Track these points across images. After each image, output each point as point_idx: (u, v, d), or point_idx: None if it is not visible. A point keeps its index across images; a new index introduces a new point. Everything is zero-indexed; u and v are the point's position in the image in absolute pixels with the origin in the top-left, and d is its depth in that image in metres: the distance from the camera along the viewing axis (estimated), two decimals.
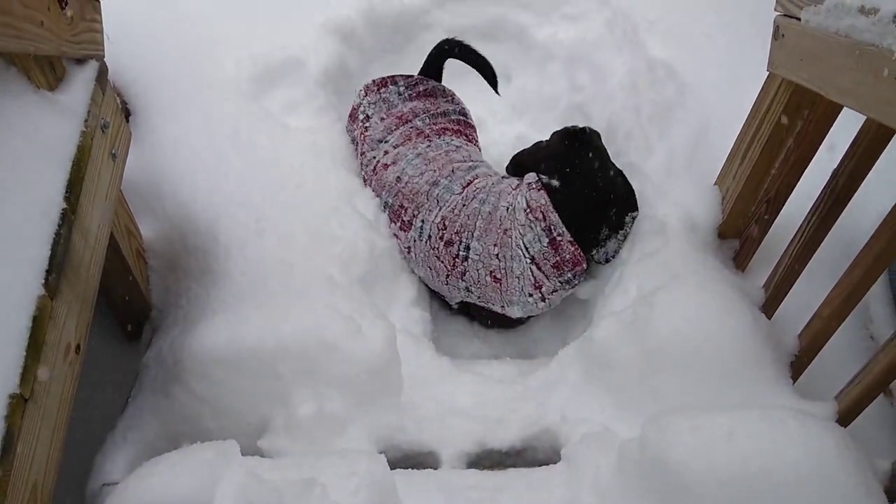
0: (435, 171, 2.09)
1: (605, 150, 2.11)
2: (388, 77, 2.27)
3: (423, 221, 2.05)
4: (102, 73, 1.59)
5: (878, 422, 1.71)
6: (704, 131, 2.21)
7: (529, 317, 2.11)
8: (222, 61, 2.30)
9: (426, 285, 2.16)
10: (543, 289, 1.97)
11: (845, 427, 1.44)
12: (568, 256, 1.94)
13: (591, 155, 2.02)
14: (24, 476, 1.08)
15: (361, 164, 2.22)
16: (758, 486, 1.27)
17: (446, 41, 2.34)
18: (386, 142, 2.19)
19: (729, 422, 1.36)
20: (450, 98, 2.31)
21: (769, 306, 1.80)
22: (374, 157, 2.18)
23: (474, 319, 2.18)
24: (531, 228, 1.94)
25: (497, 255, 1.97)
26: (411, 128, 2.20)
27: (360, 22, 2.60)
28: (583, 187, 1.98)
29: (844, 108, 1.48)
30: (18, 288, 1.15)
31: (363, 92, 2.28)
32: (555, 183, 1.97)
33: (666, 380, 1.64)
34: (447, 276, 2.03)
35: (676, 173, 2.14)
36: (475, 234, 1.99)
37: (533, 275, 1.95)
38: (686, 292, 1.73)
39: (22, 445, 1.07)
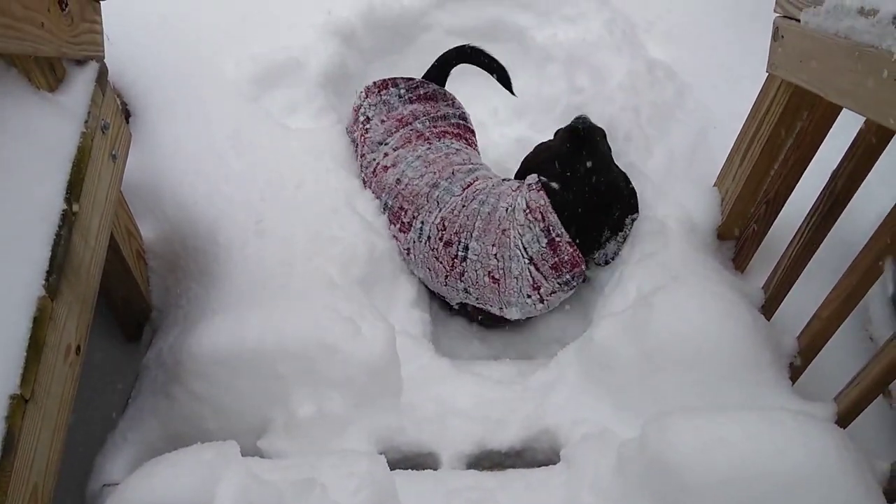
0: (435, 173, 2.10)
1: (608, 149, 2.11)
2: (388, 79, 2.28)
3: (422, 223, 2.05)
4: (103, 74, 1.59)
5: (877, 423, 1.71)
6: (704, 132, 2.22)
7: (528, 318, 2.11)
8: (222, 63, 2.31)
9: (426, 286, 2.16)
10: (542, 290, 1.97)
11: (844, 428, 1.44)
12: (566, 257, 1.95)
13: (592, 156, 2.02)
14: (25, 477, 1.08)
15: (361, 165, 2.22)
16: (757, 486, 1.27)
17: (460, 47, 2.34)
18: (386, 144, 2.19)
19: (728, 422, 1.36)
20: (450, 102, 2.31)
21: (768, 307, 1.80)
22: (375, 159, 2.18)
23: (473, 320, 2.18)
24: (530, 229, 1.94)
25: (495, 255, 1.97)
26: (411, 130, 2.21)
27: (360, 23, 2.60)
28: (583, 188, 1.98)
29: (844, 109, 1.48)
30: (19, 289, 1.16)
31: (364, 94, 2.29)
32: (554, 184, 1.97)
33: (665, 380, 1.65)
34: (446, 276, 2.04)
35: (676, 174, 2.15)
36: (474, 235, 1.99)
37: (531, 275, 1.95)
38: (685, 293, 1.73)
39: (22, 446, 1.07)
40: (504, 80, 2.36)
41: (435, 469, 1.63)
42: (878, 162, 1.51)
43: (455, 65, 2.36)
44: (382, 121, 2.22)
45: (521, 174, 2.18)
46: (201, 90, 2.21)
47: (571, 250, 1.94)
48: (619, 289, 1.93)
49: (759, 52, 1.70)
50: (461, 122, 2.31)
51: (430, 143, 2.18)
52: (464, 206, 2.03)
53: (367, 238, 1.99)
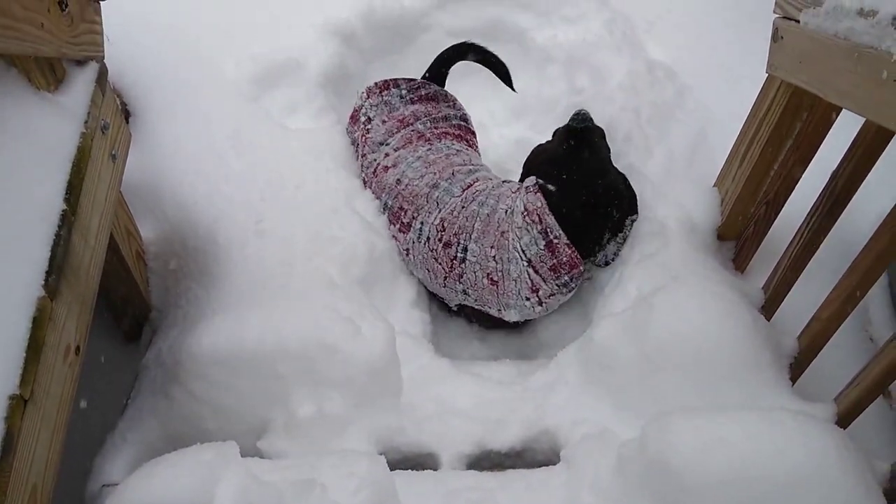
0: (435, 174, 2.10)
1: (606, 149, 2.10)
2: (390, 80, 2.27)
3: (422, 223, 2.05)
4: (102, 74, 1.59)
5: (877, 423, 1.71)
6: (704, 133, 2.22)
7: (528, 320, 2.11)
8: (222, 63, 2.31)
9: (425, 287, 2.16)
10: (540, 292, 1.97)
11: (844, 429, 1.44)
12: (565, 259, 1.94)
13: (590, 156, 2.02)
14: (24, 477, 1.08)
15: (362, 165, 2.22)
16: (757, 487, 1.27)
17: (459, 45, 2.34)
18: (387, 144, 2.19)
19: (728, 423, 1.36)
20: (451, 103, 2.31)
21: (768, 308, 1.80)
22: (375, 160, 2.18)
23: (472, 321, 2.18)
24: (528, 231, 1.94)
25: (494, 257, 1.97)
26: (412, 131, 2.20)
27: (360, 23, 2.60)
28: (580, 190, 1.98)
29: (843, 110, 1.48)
30: (18, 289, 1.16)
31: (365, 94, 2.28)
32: (551, 186, 1.97)
33: (665, 381, 1.64)
34: (445, 277, 2.03)
35: (676, 175, 2.14)
36: (473, 236, 1.99)
37: (530, 278, 1.95)
38: (685, 294, 1.73)
39: (21, 447, 1.07)
40: (504, 75, 2.36)
41: (435, 469, 1.63)
42: (878, 162, 1.51)
43: (454, 62, 2.36)
44: (383, 121, 2.22)
45: (523, 177, 2.18)
46: (201, 90, 2.21)
47: (570, 252, 1.94)
48: (619, 289, 1.93)
49: (759, 53, 1.70)
50: (462, 123, 2.31)
51: (430, 144, 2.18)
52: (463, 207, 2.03)
53: (367, 238, 1.99)
